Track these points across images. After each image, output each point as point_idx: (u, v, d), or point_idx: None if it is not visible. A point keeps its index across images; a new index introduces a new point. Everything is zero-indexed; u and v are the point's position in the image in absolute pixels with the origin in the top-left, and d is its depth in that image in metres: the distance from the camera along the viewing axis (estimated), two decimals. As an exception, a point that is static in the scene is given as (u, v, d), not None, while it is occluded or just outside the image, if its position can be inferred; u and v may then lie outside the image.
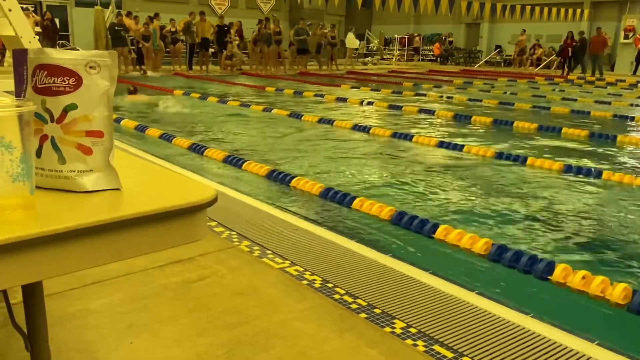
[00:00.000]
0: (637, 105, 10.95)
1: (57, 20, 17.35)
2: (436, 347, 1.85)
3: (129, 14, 16.57)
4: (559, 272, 2.64)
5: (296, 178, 4.31)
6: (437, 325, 2.00)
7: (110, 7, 16.93)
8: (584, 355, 1.86)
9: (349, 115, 8.83)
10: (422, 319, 2.04)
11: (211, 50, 17.58)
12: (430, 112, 9.24)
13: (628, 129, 8.33)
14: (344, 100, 10.74)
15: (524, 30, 22.61)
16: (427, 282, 2.39)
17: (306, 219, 3.42)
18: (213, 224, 2.98)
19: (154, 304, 2.07)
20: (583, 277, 2.57)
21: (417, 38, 27.19)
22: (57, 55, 0.84)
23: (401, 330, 1.95)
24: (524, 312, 2.15)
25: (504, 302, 2.24)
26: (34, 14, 15.88)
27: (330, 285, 2.31)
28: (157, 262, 2.39)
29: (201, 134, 6.94)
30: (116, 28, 15.23)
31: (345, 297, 2.20)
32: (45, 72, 0.84)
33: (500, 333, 1.97)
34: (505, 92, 13.01)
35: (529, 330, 2.00)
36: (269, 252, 2.65)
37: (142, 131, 6.60)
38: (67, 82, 0.84)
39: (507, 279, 2.81)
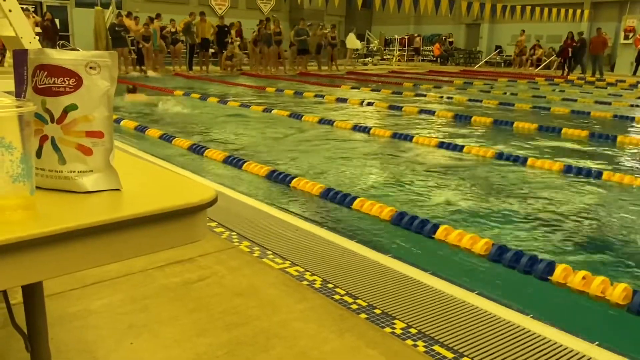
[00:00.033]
0: (637, 106, 10.95)
1: (57, 21, 17.36)
2: (436, 348, 1.85)
3: (129, 15, 16.58)
4: (559, 273, 2.64)
5: (296, 178, 4.31)
6: (438, 325, 2.00)
7: (111, 8, 16.93)
8: (584, 355, 1.86)
9: (349, 116, 8.83)
10: (422, 319, 2.04)
11: (211, 50, 17.59)
12: (431, 112, 9.24)
13: (628, 129, 8.33)
14: (344, 100, 10.74)
15: (523, 31, 22.62)
16: (427, 282, 2.39)
17: (306, 219, 3.42)
18: (213, 224, 2.98)
19: (154, 304, 2.07)
20: (583, 278, 2.57)
21: (417, 38, 27.19)
22: (57, 56, 0.84)
23: (401, 331, 1.95)
24: (524, 313, 2.15)
25: (504, 303, 2.24)
26: (34, 15, 15.89)
27: (330, 285, 2.31)
28: (157, 262, 2.39)
29: (201, 134, 6.94)
30: (116, 28, 15.24)
31: (346, 298, 2.20)
32: (46, 73, 0.84)
33: (500, 333, 1.97)
34: (505, 93, 13.01)
35: (529, 331, 2.00)
36: (269, 252, 2.65)
37: (142, 131, 6.60)
38: (67, 83, 0.84)
39: (507, 280, 2.81)
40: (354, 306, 2.13)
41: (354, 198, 3.78)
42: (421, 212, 3.74)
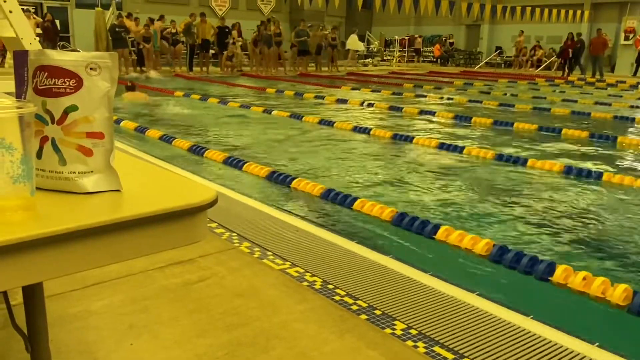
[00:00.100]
0: (637, 107, 10.96)
1: (57, 22, 17.38)
2: (437, 349, 1.85)
3: (129, 16, 16.59)
4: (560, 273, 2.64)
5: (297, 179, 4.31)
6: (438, 326, 2.00)
7: (111, 9, 16.95)
8: (584, 357, 1.85)
9: (349, 117, 8.83)
10: (422, 320, 2.04)
11: (211, 51, 17.59)
12: (431, 113, 9.25)
13: (628, 130, 8.33)
14: (344, 101, 10.75)
15: (522, 32, 22.65)
16: (427, 283, 2.39)
17: (307, 220, 3.42)
18: (213, 225, 2.98)
19: (154, 305, 2.07)
20: (584, 278, 2.57)
21: (418, 39, 27.20)
22: (58, 57, 0.85)
23: (402, 332, 1.95)
24: (524, 314, 2.15)
25: (505, 304, 2.24)
26: (34, 16, 15.89)
27: (330, 286, 2.31)
28: (158, 263, 2.39)
29: (201, 135, 6.94)
30: (117, 29, 15.25)
31: (346, 299, 2.20)
32: (46, 74, 0.84)
33: (500, 334, 1.97)
34: (506, 94, 13.01)
35: (529, 332, 1.99)
36: (269, 253, 2.65)
37: (142, 132, 6.60)
38: (67, 84, 0.84)
39: (507, 280, 2.81)
40: (355, 307, 2.13)
41: (355, 199, 3.78)
42: (422, 213, 3.74)
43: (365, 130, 7.14)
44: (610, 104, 11.18)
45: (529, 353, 1.86)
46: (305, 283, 2.33)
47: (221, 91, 12.32)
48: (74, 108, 0.85)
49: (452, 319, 2.06)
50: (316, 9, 23.02)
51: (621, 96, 13.19)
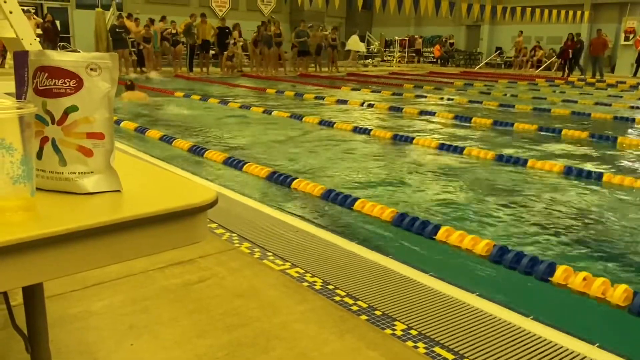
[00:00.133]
0: (637, 107, 10.95)
1: (58, 22, 17.39)
2: (437, 349, 1.85)
3: (129, 16, 16.59)
4: (560, 274, 2.64)
5: (297, 180, 4.31)
6: (438, 327, 2.00)
7: (111, 9, 16.96)
8: (585, 357, 1.85)
9: (349, 117, 8.84)
10: (422, 320, 2.04)
11: (212, 52, 17.60)
12: (431, 114, 9.25)
13: (628, 130, 8.33)
14: (344, 102, 10.75)
15: (521, 32, 22.65)
16: (428, 284, 2.39)
17: (307, 220, 3.42)
18: (213, 225, 2.98)
19: (154, 305, 2.07)
20: (584, 279, 2.57)
21: (419, 40, 27.21)
22: (58, 57, 0.85)
23: (402, 332, 1.95)
24: (524, 314, 2.15)
25: (505, 304, 2.23)
26: (35, 16, 15.89)
27: (331, 287, 2.31)
28: (158, 263, 2.39)
29: (201, 135, 6.94)
30: (117, 30, 15.25)
31: (346, 299, 2.20)
32: (46, 74, 0.84)
33: (501, 335, 1.97)
34: (506, 94, 13.01)
35: (529, 332, 1.99)
36: (269, 253, 2.65)
37: (142, 133, 6.60)
38: (67, 84, 0.84)
39: (508, 281, 2.81)
40: (355, 307, 2.13)
41: (355, 199, 3.78)
42: (422, 214, 3.74)
43: (366, 131, 7.14)
44: (610, 105, 11.18)
45: (529, 353, 1.85)
46: (306, 284, 2.32)
47: (221, 92, 12.32)
48: (74, 108, 0.85)
49: (452, 319, 2.06)
50: (316, 9, 23.03)
51: (621, 97, 13.19)
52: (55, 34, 16.43)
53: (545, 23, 20.94)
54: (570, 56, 19.53)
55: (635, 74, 19.93)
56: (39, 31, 14.44)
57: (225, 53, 17.04)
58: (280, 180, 4.41)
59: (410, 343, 1.88)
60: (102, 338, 1.84)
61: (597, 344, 1.95)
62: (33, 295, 1.11)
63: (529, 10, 19.89)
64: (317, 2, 18.53)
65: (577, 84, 16.73)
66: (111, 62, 0.87)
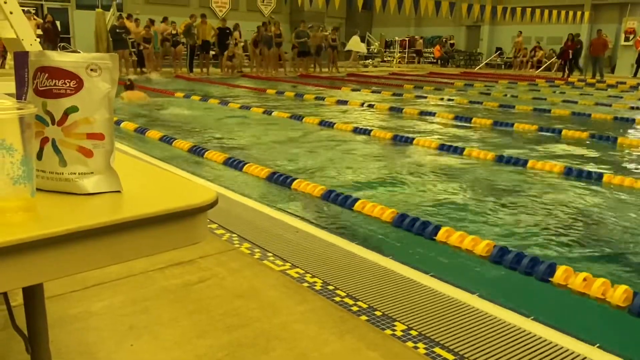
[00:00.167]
0: (637, 108, 10.95)
1: (58, 23, 17.39)
2: (437, 350, 1.85)
3: (129, 17, 16.59)
4: (560, 274, 2.64)
5: (297, 180, 4.31)
6: (438, 327, 2.00)
7: (112, 10, 16.96)
8: (585, 357, 1.85)
9: (349, 118, 8.84)
10: (423, 321, 2.04)
11: (212, 52, 17.60)
12: (431, 114, 9.25)
13: (629, 131, 8.33)
14: (344, 102, 10.75)
15: (520, 32, 22.66)
16: (428, 284, 2.39)
17: (307, 221, 3.42)
18: (214, 226, 2.98)
19: (154, 306, 2.07)
20: (584, 279, 2.57)
21: (419, 41, 27.20)
22: (58, 58, 0.85)
23: (402, 333, 1.95)
24: (525, 315, 2.15)
25: (505, 304, 2.23)
26: (35, 17, 15.90)
27: (331, 287, 2.31)
28: (158, 264, 2.39)
29: (201, 136, 6.95)
30: (117, 30, 15.25)
31: (346, 300, 2.19)
32: (47, 75, 0.85)
33: (501, 335, 1.97)
34: (506, 95, 13.02)
35: (529, 333, 1.99)
36: (269, 254, 2.65)
37: (142, 133, 6.60)
38: (68, 85, 0.84)
39: (508, 281, 2.81)
40: (355, 308, 2.13)
41: (355, 200, 3.78)
42: (422, 214, 3.74)
43: (366, 132, 7.14)
44: (610, 105, 11.18)
45: (529, 354, 1.85)
46: (306, 284, 2.32)
47: (221, 92, 12.33)
48: (74, 109, 0.85)
49: (452, 320, 2.06)
50: (316, 10, 23.03)
51: (621, 97, 13.20)
52: (55, 35, 16.43)
53: (546, 23, 20.94)
54: (571, 57, 19.52)
55: (635, 75, 19.92)
56: (39, 32, 14.44)
57: (225, 53, 17.04)
58: (280, 180, 4.41)
59: (410, 343, 1.88)
60: (102, 339, 1.84)
61: (598, 345, 1.95)
62: (33, 295, 1.11)
63: (529, 10, 19.88)
64: (317, 3, 18.52)
65: (577, 85, 16.73)
66: (111, 62, 0.87)
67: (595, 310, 2.51)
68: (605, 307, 2.46)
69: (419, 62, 26.51)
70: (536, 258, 2.82)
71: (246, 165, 4.84)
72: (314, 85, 14.32)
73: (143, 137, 6.48)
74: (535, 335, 1.98)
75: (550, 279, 2.66)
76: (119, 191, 0.88)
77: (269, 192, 4.31)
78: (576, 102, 11.54)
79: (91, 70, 0.85)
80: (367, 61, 24.98)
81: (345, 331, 1.93)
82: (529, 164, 5.37)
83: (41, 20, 16.13)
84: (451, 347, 1.86)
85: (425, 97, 12.15)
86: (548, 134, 7.59)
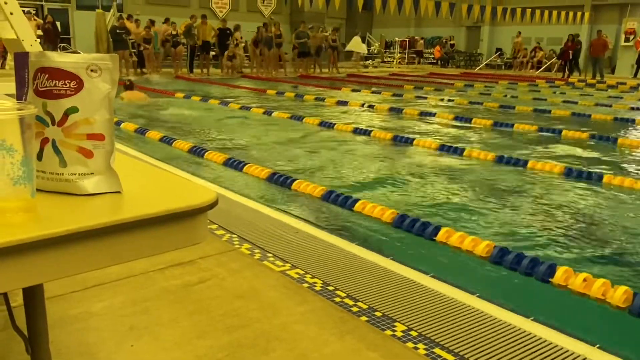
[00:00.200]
0: (637, 108, 10.95)
1: (58, 24, 17.40)
2: (437, 350, 1.84)
3: (129, 18, 16.60)
4: (560, 275, 2.64)
5: (297, 181, 4.31)
6: (438, 328, 2.00)
7: (112, 11, 16.97)
8: (585, 358, 1.85)
9: (349, 118, 8.84)
10: (423, 322, 2.04)
11: (212, 53, 17.60)
12: (431, 115, 9.25)
13: (629, 131, 8.33)
14: (344, 103, 10.75)
15: (519, 33, 22.67)
16: (428, 285, 2.39)
17: (307, 221, 3.42)
18: (214, 226, 2.98)
19: (154, 306, 2.07)
20: (584, 280, 2.57)
21: (420, 41, 27.21)
22: (59, 59, 0.85)
23: (402, 334, 1.95)
24: (525, 315, 2.15)
25: (505, 305, 2.23)
26: (35, 17, 15.91)
27: (331, 288, 2.31)
28: (158, 264, 2.39)
29: (202, 136, 6.95)
30: (117, 31, 15.26)
31: (346, 300, 2.19)
32: (47, 75, 0.85)
33: (501, 336, 1.97)
34: (506, 95, 13.01)
35: (530, 333, 1.99)
36: (269, 255, 2.65)
37: (142, 134, 6.60)
38: (68, 85, 0.84)
39: (508, 282, 2.81)
40: (355, 309, 2.13)
41: (356, 200, 3.78)
42: (422, 215, 3.74)
43: (366, 132, 7.14)
44: (610, 106, 11.18)
45: (529, 355, 1.85)
46: (306, 285, 2.32)
47: (222, 93, 12.33)
48: (74, 110, 0.85)
49: (452, 320, 2.06)
50: (317, 10, 23.04)
51: (622, 97, 13.20)
52: (55, 35, 16.44)
53: (546, 24, 20.95)
54: (571, 57, 19.53)
55: (635, 75, 19.92)
56: (40, 32, 14.45)
57: (225, 53, 17.05)
58: (280, 181, 4.41)
59: (410, 344, 1.88)
60: (103, 339, 1.84)
61: (598, 345, 1.95)
62: (33, 296, 1.11)
63: (529, 11, 19.89)
64: (317, 4, 18.53)
65: (578, 85, 16.74)
66: (111, 63, 0.87)
67: (596, 311, 2.51)
68: (606, 307, 2.46)
69: (419, 63, 26.52)
70: (536, 259, 2.82)
71: (246, 166, 4.84)
72: (314, 86, 14.32)
73: (143, 137, 6.48)
74: (535, 336, 1.98)
75: (550, 279, 2.66)
76: (119, 192, 0.88)
77: (269, 192, 4.31)
78: (576, 103, 11.54)
79: (91, 70, 0.85)
80: (367, 62, 24.99)
81: (346, 332, 1.93)
82: (529, 165, 5.37)
83: (41, 21, 16.13)
84: (451, 348, 1.86)
85: (426, 98, 12.15)
86: (548, 134, 7.59)
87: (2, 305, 1.46)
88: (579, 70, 20.25)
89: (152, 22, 16.33)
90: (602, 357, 1.88)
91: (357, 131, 7.27)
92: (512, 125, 8.06)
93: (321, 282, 2.36)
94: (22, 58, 0.87)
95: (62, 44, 17.48)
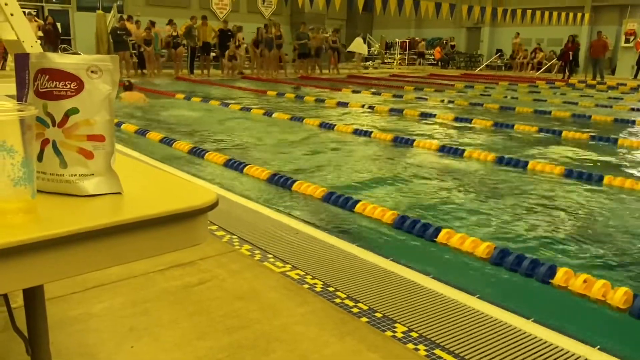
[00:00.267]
0: (638, 109, 10.95)
1: (59, 25, 17.41)
2: (437, 352, 1.84)
3: (130, 19, 16.61)
4: (561, 276, 2.64)
5: (298, 182, 4.31)
6: (439, 329, 2.00)
7: (112, 12, 16.98)
8: (585, 359, 1.85)
9: (350, 119, 8.84)
10: (423, 323, 2.04)
11: (212, 54, 17.61)
12: (432, 116, 9.25)
13: (629, 132, 8.33)
14: (345, 104, 10.75)
15: (518, 34, 22.70)
16: (428, 286, 2.39)
17: (307, 222, 3.42)
18: (214, 227, 2.98)
19: (154, 307, 2.06)
20: (584, 281, 2.57)
21: (422, 43, 27.22)
22: (59, 60, 0.85)
23: (402, 335, 1.95)
24: (525, 316, 2.15)
25: (506, 306, 2.23)
26: (36, 19, 15.92)
27: (331, 289, 2.30)
28: (158, 265, 2.39)
29: (202, 137, 6.95)
30: (118, 32, 15.27)
31: (347, 301, 2.19)
32: (47, 77, 0.85)
33: (501, 337, 1.97)
34: (506, 96, 13.02)
35: (530, 334, 1.99)
36: (269, 255, 2.65)
37: (143, 135, 6.61)
38: (68, 87, 0.84)
39: (508, 283, 2.80)
40: (355, 310, 2.12)
41: (356, 202, 3.78)
42: (423, 216, 3.74)
43: (366, 133, 7.14)
44: (610, 107, 11.18)
45: (529, 355, 1.85)
46: (306, 286, 2.32)
47: (222, 94, 12.33)
48: (75, 111, 0.85)
49: (453, 321, 2.06)
50: (317, 11, 23.07)
51: (622, 99, 13.20)
52: (56, 37, 16.45)
53: (546, 25, 20.96)
54: (571, 58, 19.53)
55: (635, 76, 19.93)
56: (40, 33, 14.47)
57: (226, 53, 17.05)
58: (281, 182, 4.41)
59: (410, 345, 1.88)
60: (103, 340, 1.84)
61: (598, 346, 1.95)
62: (33, 297, 1.11)
63: (529, 12, 19.90)
64: (317, 5, 18.55)
65: (578, 86, 16.74)
66: (112, 64, 0.87)
67: (596, 312, 2.51)
68: (606, 309, 2.46)
69: (420, 64, 26.53)
70: (536, 260, 2.82)
71: (247, 167, 4.84)
72: (314, 87, 14.32)
73: (144, 138, 6.48)
74: (535, 337, 1.98)
75: (550, 280, 2.66)
76: (119, 193, 0.88)
77: (269, 193, 4.31)
78: (576, 104, 11.54)
79: (92, 72, 0.85)
80: (368, 63, 24.99)
81: (346, 333, 1.93)
82: (530, 166, 5.37)
83: (42, 22, 16.15)
84: (452, 349, 1.86)
85: (426, 99, 12.16)
86: (548, 135, 7.59)
87: (2, 306, 1.46)
88: (574, 71, 20.25)
89: (153, 24, 16.33)
90: (602, 358, 1.88)
91: (357, 132, 7.27)
92: (513, 126, 8.06)
93: (322, 283, 2.36)
94: (22, 59, 0.87)
95: (63, 45, 17.49)
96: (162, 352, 1.77)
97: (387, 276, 2.48)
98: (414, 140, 6.57)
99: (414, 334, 1.95)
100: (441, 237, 3.17)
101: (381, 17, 24.69)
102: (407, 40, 27.00)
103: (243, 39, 18.22)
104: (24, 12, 2.48)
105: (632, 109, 11.02)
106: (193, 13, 18.28)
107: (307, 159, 5.80)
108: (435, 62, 26.47)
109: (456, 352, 1.85)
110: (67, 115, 0.85)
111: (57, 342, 1.77)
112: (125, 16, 16.71)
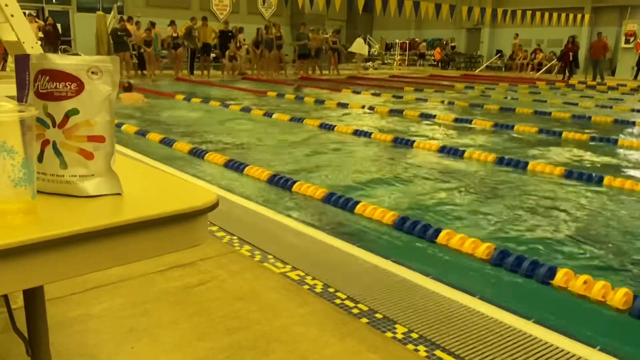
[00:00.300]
0: (638, 110, 10.95)
1: (59, 26, 17.43)
2: (438, 352, 1.84)
3: (130, 20, 16.62)
4: (561, 277, 2.64)
5: (298, 182, 4.31)
6: (439, 330, 2.00)
7: (112, 13, 16.99)
8: (585, 360, 1.85)
9: (350, 120, 8.84)
10: (423, 324, 2.04)
11: (212, 55, 17.62)
12: (432, 116, 9.25)
13: (629, 133, 8.33)
14: (345, 105, 10.75)
15: (517, 34, 22.71)
16: (428, 287, 2.39)
17: (308, 223, 3.42)
18: (214, 228, 2.98)
19: (154, 308, 2.06)
20: (584, 282, 2.57)
21: (423, 44, 27.23)
22: (59, 61, 0.85)
23: (402, 335, 1.95)
24: (525, 317, 2.15)
25: (506, 307, 2.23)
26: (36, 19, 15.92)
27: (331, 290, 2.30)
28: (158, 266, 2.39)
29: (202, 138, 6.95)
30: (118, 33, 15.27)
31: (347, 302, 2.19)
32: (47, 78, 0.85)
33: (502, 338, 1.97)
34: (506, 97, 13.02)
35: (530, 335, 1.99)
36: (270, 256, 2.65)
37: (143, 135, 6.61)
38: (69, 88, 0.84)
39: (509, 284, 2.80)
40: (355, 310, 2.12)
41: (356, 202, 3.78)
42: (423, 217, 3.74)
43: (366, 134, 7.14)
44: (611, 107, 11.18)
45: (530, 356, 1.85)
46: (306, 286, 2.32)
47: (222, 94, 12.34)
48: (75, 112, 0.85)
49: (453, 322, 2.06)
50: (317, 12, 23.08)
51: (622, 99, 13.19)
52: (56, 37, 16.47)
53: (546, 26, 20.97)
54: (571, 59, 19.53)
55: (635, 77, 19.94)
56: (41, 34, 14.48)
57: (226, 53, 17.05)
58: (281, 183, 4.41)
59: (411, 346, 1.88)
60: (102, 341, 1.84)
61: (598, 347, 1.95)
62: (34, 298, 1.11)
63: (529, 13, 19.91)
64: (317, 5, 18.55)
65: (578, 87, 16.74)
66: (112, 65, 0.87)
67: (596, 313, 2.51)
68: (606, 309, 2.46)
69: (421, 65, 26.54)
70: (537, 261, 2.81)
71: (247, 168, 4.84)
72: (314, 88, 14.33)
73: (144, 139, 6.48)
74: (536, 338, 1.98)
75: (550, 281, 2.66)
76: (119, 193, 0.88)
77: (269, 194, 4.31)
78: (576, 105, 11.54)
79: (92, 72, 0.85)
80: (368, 64, 25.00)
81: (346, 334, 1.93)
82: (530, 166, 5.37)
83: (42, 23, 16.16)
84: (452, 350, 1.86)
85: (426, 100, 12.16)
86: (549, 136, 7.59)
87: (2, 307, 1.46)
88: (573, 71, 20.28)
89: (153, 24, 16.34)
90: (602, 359, 1.88)
91: (357, 133, 7.27)
92: (513, 127, 8.06)
93: (322, 283, 2.36)
94: (23, 60, 0.87)
95: (63, 46, 17.50)
96: (162, 353, 1.77)
97: (387, 277, 2.48)
98: (414, 141, 6.57)
99: (414, 335, 1.95)
100: (441, 238, 3.17)
101: (381, 18, 24.71)
102: (407, 41, 27.01)
103: (244, 40, 18.23)
104: (24, 13, 2.49)
105: (632, 110, 11.02)
106: (193, 14, 18.29)
107: (307, 159, 5.80)
108: (435, 63, 26.48)
109: (456, 353, 1.85)
110: (67, 116, 0.85)
111: (57, 342, 1.77)
112: (125, 17, 16.71)
